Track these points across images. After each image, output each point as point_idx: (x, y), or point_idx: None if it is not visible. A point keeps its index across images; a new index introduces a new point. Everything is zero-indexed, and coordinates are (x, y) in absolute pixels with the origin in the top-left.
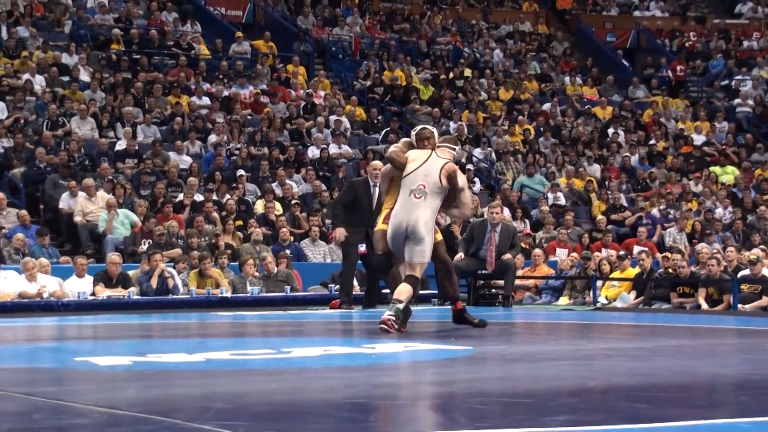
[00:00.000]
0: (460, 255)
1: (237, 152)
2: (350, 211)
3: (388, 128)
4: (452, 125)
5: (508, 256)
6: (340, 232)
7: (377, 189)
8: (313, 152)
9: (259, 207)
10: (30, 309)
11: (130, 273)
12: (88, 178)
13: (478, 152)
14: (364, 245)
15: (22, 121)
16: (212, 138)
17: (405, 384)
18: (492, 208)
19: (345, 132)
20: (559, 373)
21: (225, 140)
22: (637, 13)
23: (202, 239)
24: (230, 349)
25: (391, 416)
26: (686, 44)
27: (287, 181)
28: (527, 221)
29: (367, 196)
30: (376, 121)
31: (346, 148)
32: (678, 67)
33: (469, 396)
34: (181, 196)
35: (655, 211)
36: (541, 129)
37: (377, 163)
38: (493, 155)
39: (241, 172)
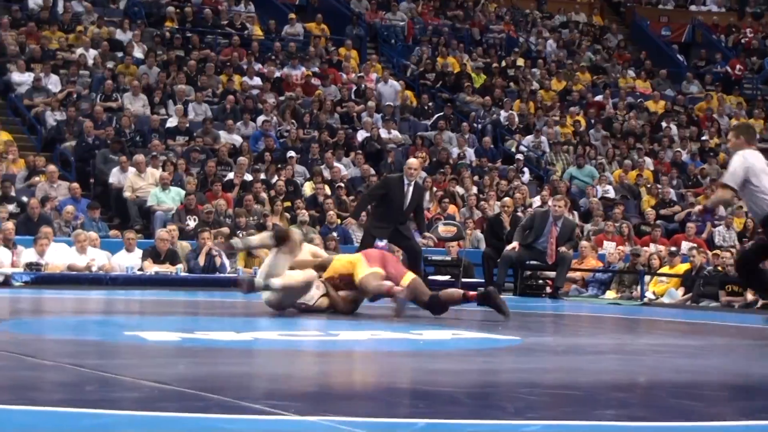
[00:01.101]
0: (514, 245)
1: (287, 134)
2: (380, 207)
3: (440, 114)
4: (503, 114)
5: (564, 249)
6: (349, 221)
7: (411, 187)
8: (362, 136)
9: (308, 189)
10: (78, 281)
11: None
12: (139, 154)
13: (528, 142)
14: (384, 241)
15: (75, 96)
16: (262, 118)
17: (452, 371)
18: (556, 200)
19: (395, 117)
20: (607, 367)
21: (275, 121)
22: (693, 8)
23: (251, 219)
24: (278, 329)
25: (439, 403)
26: (742, 41)
27: (335, 164)
28: (575, 213)
29: (399, 194)
30: (426, 108)
31: (395, 133)
32: (737, 66)
33: (518, 386)
34: (230, 175)
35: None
36: (593, 121)
37: (413, 161)
38: (544, 146)
39: (291, 153)
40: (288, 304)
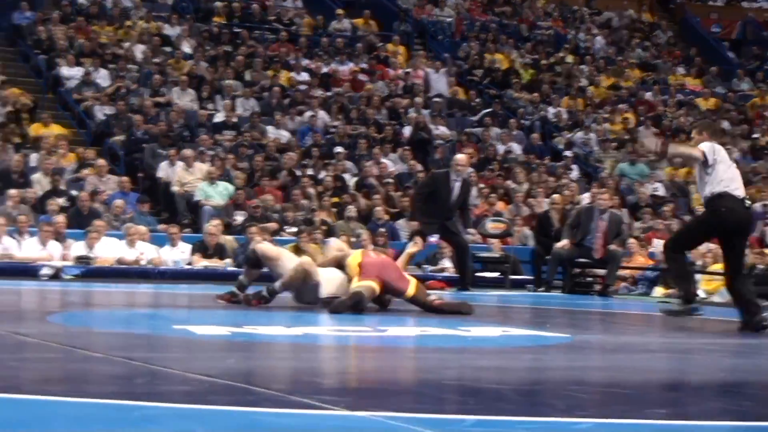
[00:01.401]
0: (564, 242)
1: (334, 129)
2: (428, 202)
3: (489, 110)
4: (551, 110)
5: (614, 246)
6: (411, 224)
7: (458, 183)
8: (409, 132)
9: (355, 185)
10: (127, 275)
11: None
12: (187, 148)
13: (577, 139)
14: (437, 236)
15: (124, 90)
16: (309, 113)
17: (501, 368)
18: (599, 194)
19: (443, 113)
20: (658, 366)
21: (322, 117)
22: (744, 4)
23: (299, 214)
24: (327, 324)
25: (488, 400)
26: None
27: (383, 160)
28: (625, 210)
29: (446, 189)
30: (473, 104)
31: (443, 129)
32: None
33: (568, 384)
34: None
35: (757, 206)
36: (642, 118)
37: (461, 157)
38: (593, 143)
39: (338, 149)
40: (312, 299)
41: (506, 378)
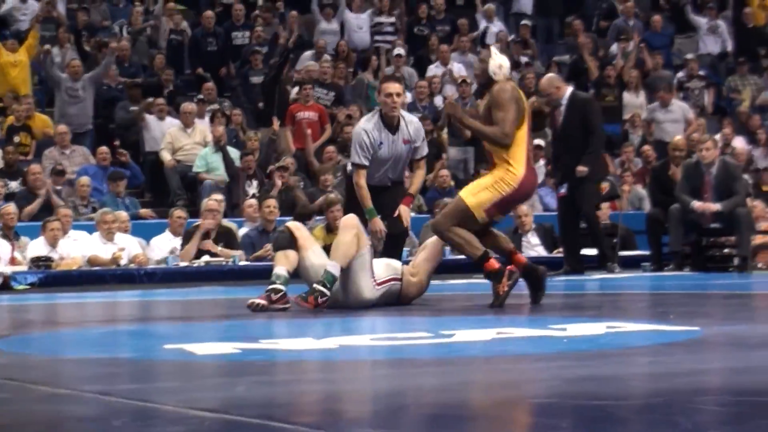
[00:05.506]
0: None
1: None
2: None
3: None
4: None
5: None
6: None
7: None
8: None
9: None
10: (103, 280)
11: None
12: (186, 102)
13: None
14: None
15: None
16: None
17: (607, 378)
18: (701, 144)
19: None
20: None
21: None
22: None
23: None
24: (370, 332)
25: (590, 421)
26: None
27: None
28: None
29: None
30: None
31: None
32: None
33: (695, 394)
34: None
35: None
36: None
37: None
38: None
39: None
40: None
41: (614, 391)
